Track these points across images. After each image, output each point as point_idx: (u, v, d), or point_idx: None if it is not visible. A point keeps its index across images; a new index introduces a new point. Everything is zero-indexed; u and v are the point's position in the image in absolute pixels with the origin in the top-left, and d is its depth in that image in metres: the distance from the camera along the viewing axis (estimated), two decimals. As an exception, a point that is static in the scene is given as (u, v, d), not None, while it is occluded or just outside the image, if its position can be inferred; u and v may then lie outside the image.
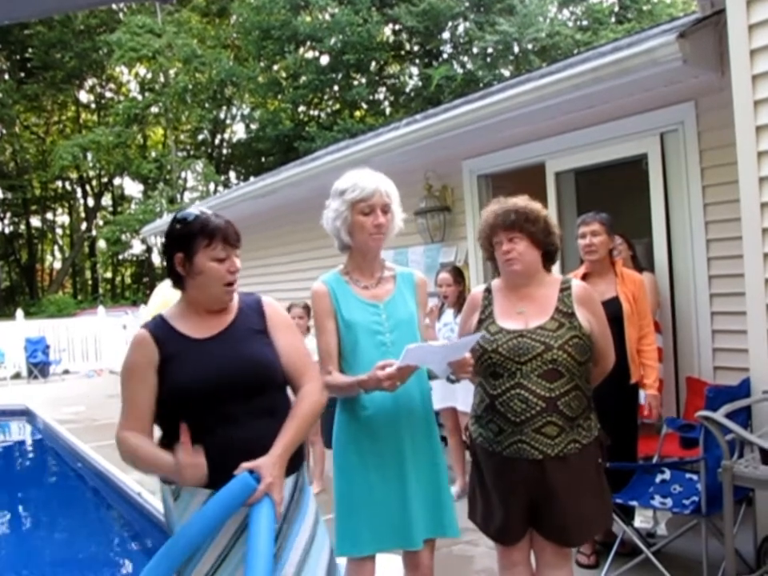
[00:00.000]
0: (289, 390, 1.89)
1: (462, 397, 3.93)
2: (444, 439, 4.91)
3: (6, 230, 28.24)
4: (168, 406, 1.73)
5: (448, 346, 1.97)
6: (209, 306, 1.81)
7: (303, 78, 22.35)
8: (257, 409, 1.75)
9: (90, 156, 23.43)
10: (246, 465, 1.63)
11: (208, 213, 1.80)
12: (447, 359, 1.97)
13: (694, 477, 2.95)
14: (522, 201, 2.15)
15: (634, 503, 2.91)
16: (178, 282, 1.81)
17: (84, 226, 28.26)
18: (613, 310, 2.89)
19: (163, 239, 1.85)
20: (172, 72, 23.07)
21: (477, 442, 2.15)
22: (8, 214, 27.67)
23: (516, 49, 20.59)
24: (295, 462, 1.81)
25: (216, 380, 1.71)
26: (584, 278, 3.18)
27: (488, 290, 2.23)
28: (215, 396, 1.71)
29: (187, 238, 1.75)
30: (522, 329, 2.06)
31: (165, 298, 4.04)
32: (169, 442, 1.73)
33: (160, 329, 1.79)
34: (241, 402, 1.72)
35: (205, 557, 1.68)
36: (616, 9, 22.41)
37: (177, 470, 1.61)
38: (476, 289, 2.30)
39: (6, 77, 24.63)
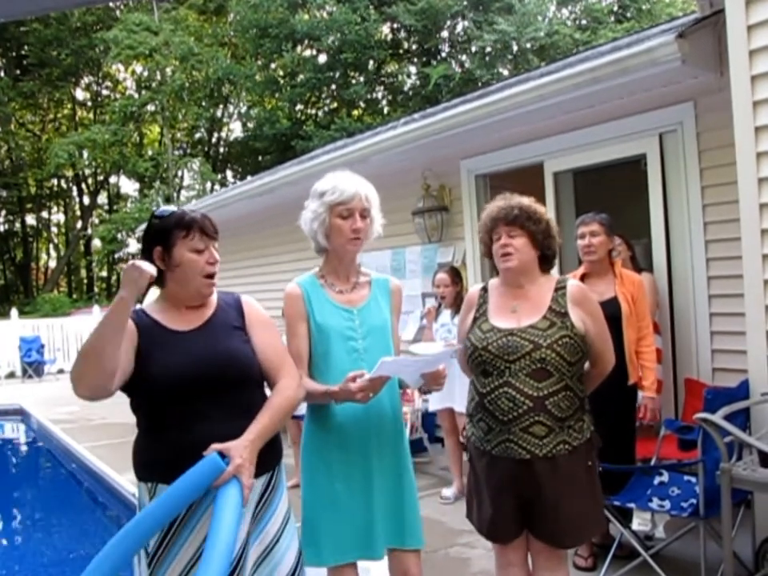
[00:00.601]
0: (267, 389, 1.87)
1: (459, 398, 3.90)
2: (441, 440, 4.91)
3: (1, 228, 28.16)
4: (145, 395, 1.72)
5: (422, 360, 1.95)
6: (188, 299, 1.80)
7: (301, 77, 22.32)
8: (233, 405, 1.73)
9: (85, 154, 23.33)
10: (215, 446, 1.61)
11: (184, 209, 1.84)
12: (421, 371, 1.97)
13: (693, 479, 2.93)
14: (527, 200, 2.16)
15: (631, 505, 2.90)
16: (157, 277, 1.80)
17: (79, 224, 28.17)
18: (611, 311, 2.88)
19: (141, 237, 1.87)
20: (169, 70, 22.98)
21: (470, 440, 2.16)
22: (3, 212, 27.58)
23: (515, 48, 20.58)
24: (270, 461, 1.79)
25: (192, 373, 1.70)
26: (583, 278, 3.18)
27: (484, 289, 2.24)
28: (190, 389, 1.69)
29: (165, 231, 1.77)
30: (513, 327, 2.06)
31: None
32: (153, 431, 1.72)
33: (140, 319, 1.79)
34: (217, 398, 1.71)
35: (179, 556, 1.65)
36: (615, 8, 22.42)
37: (126, 278, 1.63)
38: (473, 288, 2.30)
39: (2, 74, 24.55)
